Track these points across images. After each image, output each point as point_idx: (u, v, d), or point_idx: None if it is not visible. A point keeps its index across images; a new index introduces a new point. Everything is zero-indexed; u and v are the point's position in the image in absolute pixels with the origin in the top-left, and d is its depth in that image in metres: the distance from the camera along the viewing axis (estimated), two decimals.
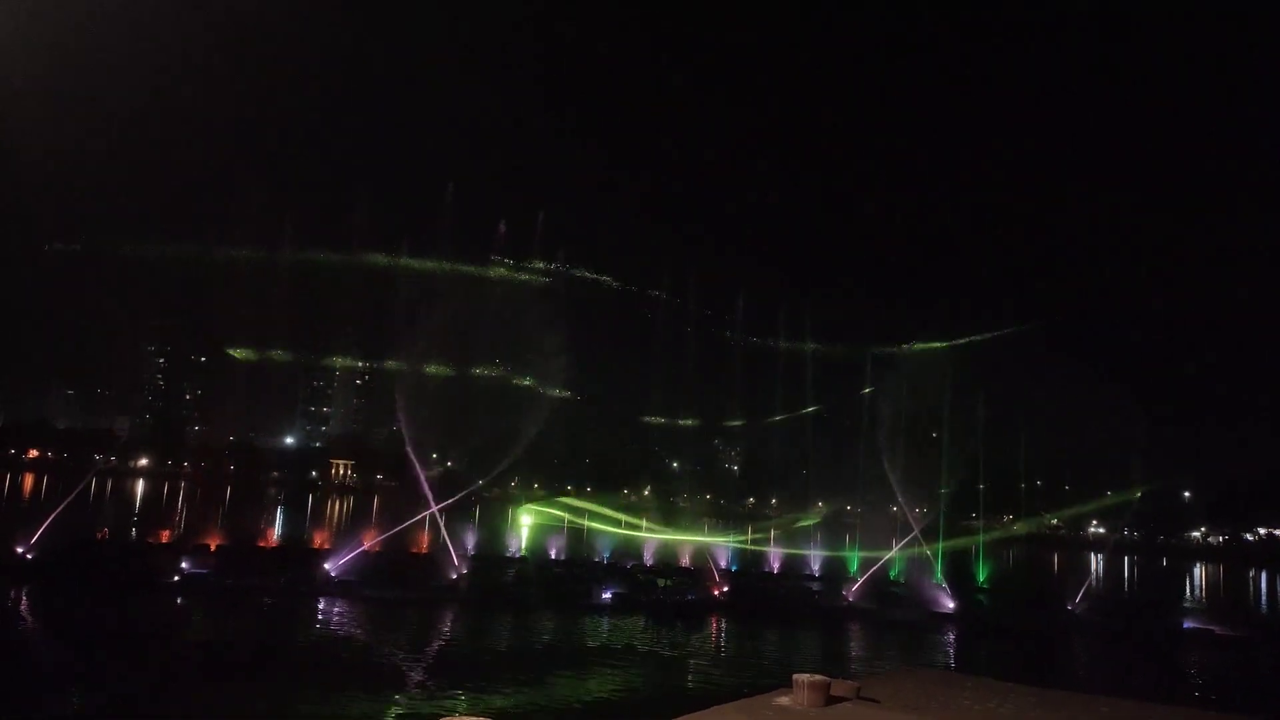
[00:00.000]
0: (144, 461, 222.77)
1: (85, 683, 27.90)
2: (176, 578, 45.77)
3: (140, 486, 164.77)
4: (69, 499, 56.12)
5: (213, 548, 53.99)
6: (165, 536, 62.54)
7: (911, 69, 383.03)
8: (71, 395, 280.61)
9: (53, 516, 49.97)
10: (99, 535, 57.75)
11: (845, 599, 55.65)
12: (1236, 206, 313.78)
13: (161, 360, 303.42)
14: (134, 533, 65.59)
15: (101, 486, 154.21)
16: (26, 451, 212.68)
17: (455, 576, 52.51)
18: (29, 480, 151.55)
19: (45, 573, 44.68)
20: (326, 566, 50.83)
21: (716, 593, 53.53)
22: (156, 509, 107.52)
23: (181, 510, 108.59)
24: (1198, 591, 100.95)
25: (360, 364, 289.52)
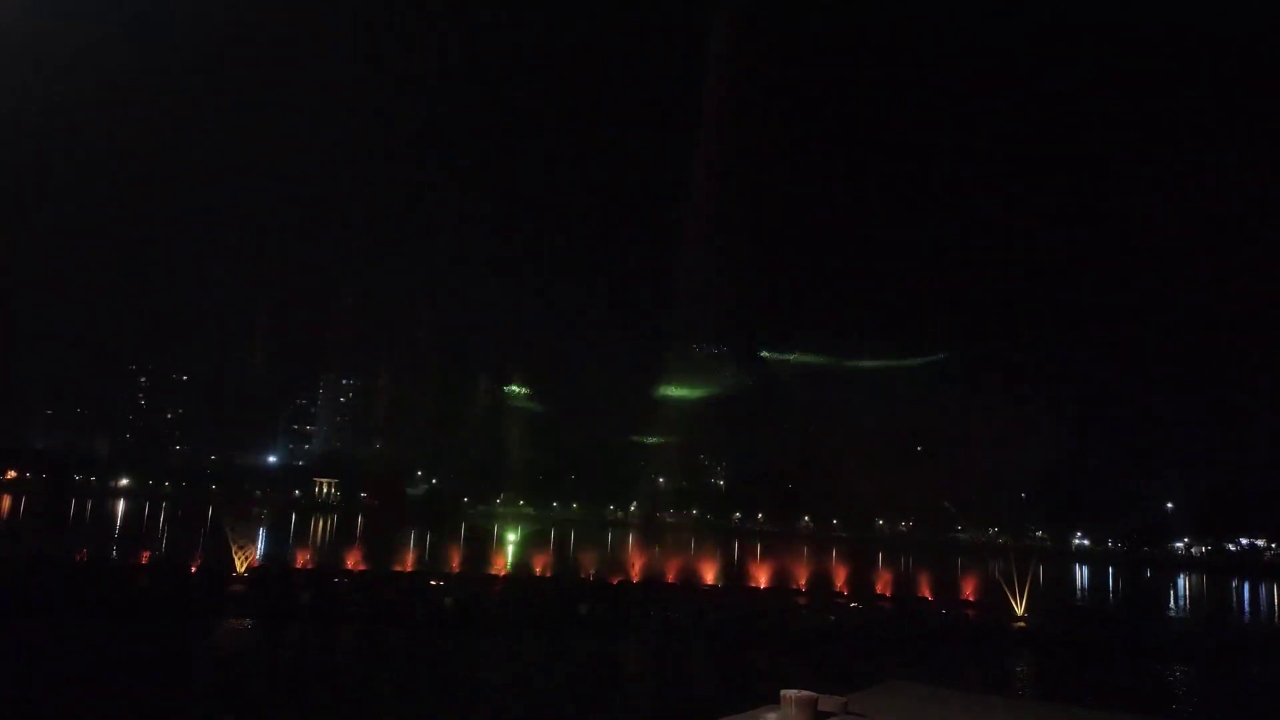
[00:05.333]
0: (125, 481, 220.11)
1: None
2: (159, 601, 45.17)
3: (121, 507, 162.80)
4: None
5: (194, 569, 53.41)
6: (145, 558, 61.66)
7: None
8: (51, 415, 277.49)
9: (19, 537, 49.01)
10: (77, 557, 56.86)
11: (831, 616, 55.45)
12: (1227, 208, 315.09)
13: (143, 379, 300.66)
14: (114, 553, 64.66)
15: (81, 507, 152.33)
16: (5, 473, 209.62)
17: (441, 597, 52.13)
18: (6, 502, 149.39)
19: (16, 597, 43.85)
20: (305, 590, 50.30)
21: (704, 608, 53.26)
22: (136, 530, 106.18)
23: (162, 531, 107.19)
24: (1182, 601, 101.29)
25: (345, 381, 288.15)
